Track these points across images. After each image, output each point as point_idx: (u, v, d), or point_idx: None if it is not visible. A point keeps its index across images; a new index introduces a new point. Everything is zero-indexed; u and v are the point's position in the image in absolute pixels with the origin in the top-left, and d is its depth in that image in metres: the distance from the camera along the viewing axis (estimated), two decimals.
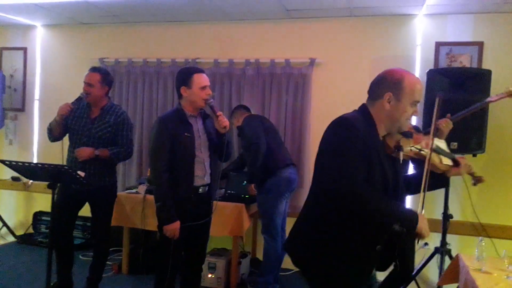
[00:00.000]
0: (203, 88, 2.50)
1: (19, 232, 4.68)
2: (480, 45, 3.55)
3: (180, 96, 2.55)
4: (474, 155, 3.21)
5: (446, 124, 2.45)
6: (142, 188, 3.65)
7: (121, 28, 4.47)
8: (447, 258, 3.14)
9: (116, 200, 3.59)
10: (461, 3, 3.37)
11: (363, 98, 3.56)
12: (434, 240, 3.43)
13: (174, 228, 2.42)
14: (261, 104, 4.01)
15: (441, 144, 1.83)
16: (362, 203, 1.47)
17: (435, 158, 1.70)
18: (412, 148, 1.67)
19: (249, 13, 3.87)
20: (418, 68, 3.66)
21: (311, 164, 3.88)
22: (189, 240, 2.57)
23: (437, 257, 3.19)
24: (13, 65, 4.84)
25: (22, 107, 4.84)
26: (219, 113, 2.53)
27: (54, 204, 2.79)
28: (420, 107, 1.76)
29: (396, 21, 3.72)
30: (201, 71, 2.57)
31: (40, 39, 4.75)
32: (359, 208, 1.50)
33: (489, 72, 3.11)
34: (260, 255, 4.02)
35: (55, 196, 2.73)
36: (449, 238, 3.23)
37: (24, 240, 4.54)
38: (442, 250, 3.16)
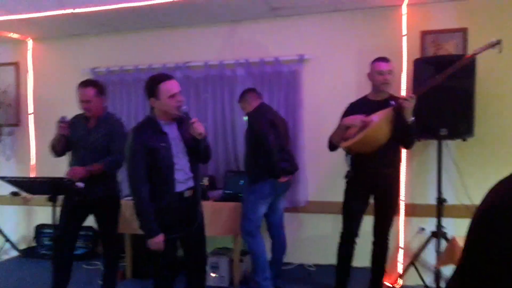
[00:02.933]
0: (172, 96, 2.37)
1: (21, 247, 4.71)
2: (464, 31, 3.61)
3: (151, 107, 2.45)
4: (464, 140, 3.28)
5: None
6: None
7: (110, 37, 4.51)
8: (443, 242, 3.20)
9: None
10: None
11: (352, 91, 3.62)
12: (430, 224, 3.50)
13: (157, 241, 2.35)
14: None
15: None
16: None
17: None
18: None
19: (236, 14, 3.93)
20: (405, 58, 3.72)
21: (305, 159, 3.94)
22: (187, 246, 2.58)
23: (433, 241, 3.24)
24: (6, 81, 4.88)
25: (17, 122, 4.87)
26: (193, 120, 2.41)
27: (60, 216, 2.89)
28: None
29: (380, 13, 3.78)
30: (168, 78, 2.41)
31: (31, 53, 4.79)
32: None
33: (473, 58, 3.17)
34: None
35: (61, 208, 2.79)
36: (444, 221, 3.29)
37: (27, 254, 4.57)
38: (438, 233, 3.21)
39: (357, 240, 3.09)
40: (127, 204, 3.65)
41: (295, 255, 3.98)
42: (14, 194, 4.74)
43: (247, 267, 3.71)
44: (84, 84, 3.00)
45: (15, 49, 4.83)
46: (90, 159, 2.92)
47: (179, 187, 2.43)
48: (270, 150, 3.09)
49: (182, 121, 2.51)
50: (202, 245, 2.67)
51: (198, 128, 2.40)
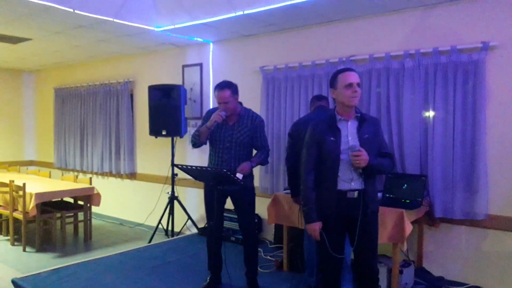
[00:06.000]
0: (348, 86, 2.41)
1: (200, 225, 5.33)
2: None
3: (334, 100, 2.58)
4: None
5: None
6: None
7: (276, 36, 4.66)
8: None
9: (274, 198, 3.81)
10: None
11: None
12: None
13: (313, 228, 2.49)
14: (423, 100, 3.64)
15: None
16: None
17: None
18: None
19: (408, 1, 3.56)
20: None
21: (486, 166, 3.34)
22: (355, 253, 2.55)
23: None
24: (192, 80, 5.55)
25: (200, 116, 5.47)
26: (356, 153, 2.39)
27: (206, 205, 3.30)
28: None
29: None
30: (348, 69, 2.50)
31: (211, 55, 5.32)
32: None
33: None
34: (428, 265, 3.67)
35: (205, 198, 3.25)
36: None
37: (204, 232, 5.14)
38: None
39: None
40: (286, 197, 3.76)
41: (470, 275, 3.48)
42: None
43: (409, 280, 3.38)
44: (220, 87, 3.26)
45: (200, 51, 5.44)
46: (237, 152, 3.27)
47: (342, 185, 2.46)
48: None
49: (363, 121, 2.51)
50: (369, 256, 2.56)
51: (357, 163, 2.39)
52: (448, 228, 3.58)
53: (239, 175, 3.03)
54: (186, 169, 3.11)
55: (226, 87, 3.26)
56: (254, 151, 3.43)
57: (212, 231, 3.29)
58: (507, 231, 3.30)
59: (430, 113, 3.60)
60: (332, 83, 2.51)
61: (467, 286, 3.45)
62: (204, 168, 3.13)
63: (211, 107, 5.38)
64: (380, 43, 3.91)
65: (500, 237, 3.36)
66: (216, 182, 3.04)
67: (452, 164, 3.47)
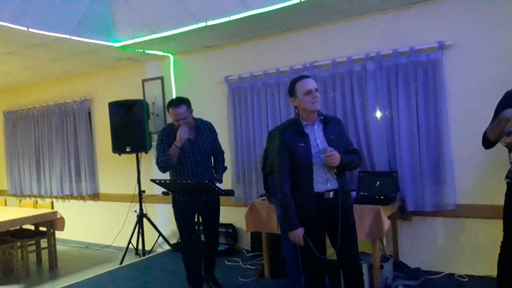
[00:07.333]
0: (308, 92, 2.49)
1: (172, 241, 5.21)
2: None
3: (295, 107, 2.62)
4: None
5: None
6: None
7: (239, 46, 4.70)
8: None
9: (250, 206, 3.83)
10: None
11: (508, 79, 3.13)
12: None
13: (297, 235, 2.50)
14: (387, 99, 3.80)
15: None
16: None
17: None
18: None
19: (366, 7, 3.73)
20: None
21: (451, 158, 3.54)
22: (338, 252, 2.57)
23: None
24: (154, 94, 5.45)
25: None
26: (327, 154, 2.43)
27: (179, 218, 3.35)
28: None
29: None
30: (304, 77, 2.58)
31: (172, 67, 5.26)
32: None
33: None
34: (404, 258, 3.81)
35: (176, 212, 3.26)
36: None
37: (177, 248, 5.03)
38: None
39: None
40: (262, 204, 3.77)
41: (444, 264, 3.63)
42: (165, 193, 5.26)
43: (389, 274, 3.49)
44: (175, 104, 3.26)
45: (160, 65, 5.36)
46: (206, 163, 3.41)
47: (319, 187, 2.50)
48: None
49: (328, 122, 2.58)
50: (353, 251, 2.62)
51: (331, 163, 2.44)
52: (421, 221, 3.74)
53: (220, 185, 3.03)
54: (164, 183, 3.05)
55: (181, 103, 3.27)
56: None
57: (196, 245, 3.24)
58: (475, 218, 3.49)
59: (395, 112, 3.75)
60: (291, 92, 2.58)
61: (442, 274, 3.62)
62: (184, 181, 3.09)
63: None
64: (342, 48, 4.04)
65: (469, 224, 3.55)
66: (196, 194, 3.00)
67: (419, 159, 3.64)
